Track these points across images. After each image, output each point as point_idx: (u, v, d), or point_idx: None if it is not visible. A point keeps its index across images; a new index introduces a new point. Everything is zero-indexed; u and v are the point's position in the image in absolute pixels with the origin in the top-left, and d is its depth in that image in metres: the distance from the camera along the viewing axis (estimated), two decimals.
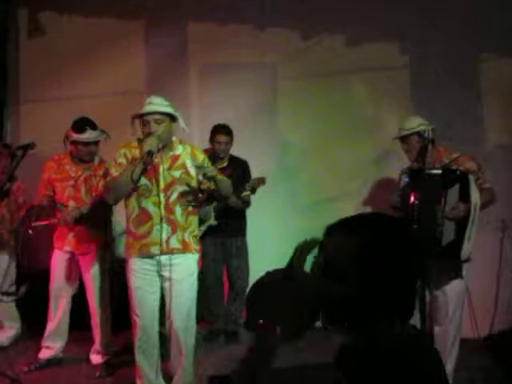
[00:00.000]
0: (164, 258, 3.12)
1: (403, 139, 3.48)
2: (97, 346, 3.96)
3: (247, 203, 4.41)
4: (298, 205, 4.93)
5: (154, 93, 5.17)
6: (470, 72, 4.59)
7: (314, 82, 4.90)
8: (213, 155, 4.35)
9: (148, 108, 3.12)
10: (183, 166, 3.18)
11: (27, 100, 5.22)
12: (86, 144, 3.84)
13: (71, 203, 3.88)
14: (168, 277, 3.13)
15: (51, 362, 4.00)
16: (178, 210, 3.14)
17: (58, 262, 3.96)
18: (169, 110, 3.13)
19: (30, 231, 3.90)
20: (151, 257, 3.14)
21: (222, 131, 4.40)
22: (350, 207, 4.53)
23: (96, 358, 3.97)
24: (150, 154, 2.98)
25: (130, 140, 3.23)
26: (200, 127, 4.89)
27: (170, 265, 3.10)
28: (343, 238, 1.24)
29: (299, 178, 4.97)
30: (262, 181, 4.25)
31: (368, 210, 4.62)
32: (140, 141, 3.16)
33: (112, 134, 5.04)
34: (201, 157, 3.28)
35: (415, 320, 3.25)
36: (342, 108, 4.80)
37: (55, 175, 3.92)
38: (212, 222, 4.37)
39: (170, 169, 3.15)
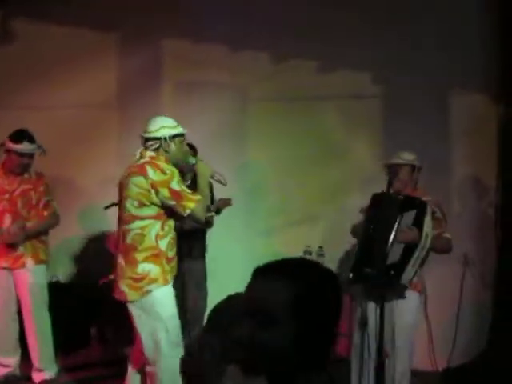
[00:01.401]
0: None
1: (394, 167, 3.48)
2: (36, 364, 3.87)
3: (210, 224, 4.34)
4: (261, 227, 4.90)
5: (125, 107, 5.19)
6: (441, 103, 4.66)
7: (284, 106, 4.89)
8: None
9: (183, 131, 3.14)
10: None
11: None
12: (20, 155, 3.77)
13: (7, 217, 3.81)
14: None
15: (8, 380, 3.89)
16: None
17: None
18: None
19: None
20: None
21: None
22: (316, 232, 4.54)
23: (37, 376, 3.88)
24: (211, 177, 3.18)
25: (158, 156, 3.05)
26: None
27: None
28: (277, 284, 1.21)
29: (265, 201, 4.94)
30: (228, 202, 4.20)
31: (333, 235, 4.61)
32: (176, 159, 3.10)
33: (81, 147, 5.02)
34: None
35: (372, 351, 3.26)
36: (311, 133, 4.80)
37: None
38: None
39: None
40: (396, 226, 3.15)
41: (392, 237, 3.13)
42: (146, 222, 2.94)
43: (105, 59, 5.08)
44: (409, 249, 3.16)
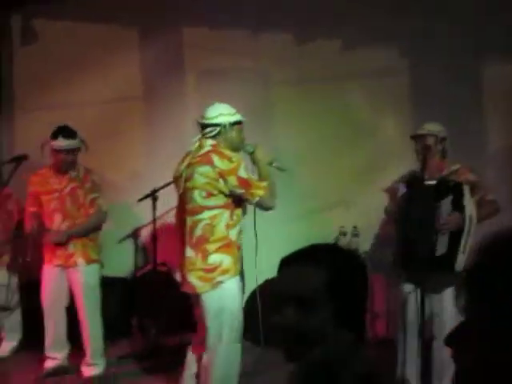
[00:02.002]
0: None
1: (420, 138, 3.37)
2: (87, 358, 3.94)
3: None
4: (294, 212, 4.85)
5: (150, 99, 5.22)
6: (471, 74, 4.53)
7: (308, 88, 4.83)
8: None
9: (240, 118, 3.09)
10: None
11: (22, 109, 5.17)
12: (57, 151, 3.79)
13: (57, 216, 3.87)
14: None
15: (57, 371, 4.00)
16: None
17: (48, 276, 3.95)
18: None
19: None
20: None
21: None
22: (349, 213, 4.48)
23: (86, 371, 3.95)
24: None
25: (219, 144, 2.98)
26: (196, 133, 4.82)
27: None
28: (308, 270, 1.24)
29: (294, 186, 4.90)
30: None
31: (367, 215, 4.56)
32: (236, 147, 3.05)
33: (108, 142, 5.06)
34: None
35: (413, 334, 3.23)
36: (338, 113, 4.74)
37: (40, 188, 3.90)
38: None
39: None
40: (437, 216, 3.06)
41: (435, 228, 3.05)
42: (215, 211, 2.89)
43: (127, 53, 5.11)
44: (455, 236, 3.07)
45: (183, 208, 3.00)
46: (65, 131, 3.80)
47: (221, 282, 2.89)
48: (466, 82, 4.45)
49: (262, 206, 2.99)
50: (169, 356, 4.23)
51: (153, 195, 4.35)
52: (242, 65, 4.93)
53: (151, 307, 4.67)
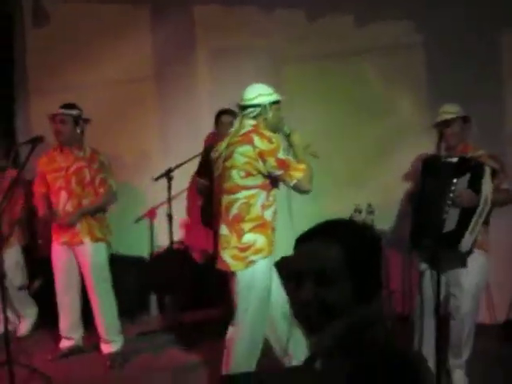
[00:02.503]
0: None
1: (446, 123, 3.28)
2: (103, 336, 3.99)
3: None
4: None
5: (162, 79, 5.20)
6: (489, 46, 4.40)
7: (321, 64, 4.76)
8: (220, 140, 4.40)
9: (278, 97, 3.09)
10: None
11: (36, 90, 5.18)
12: (52, 120, 3.84)
13: (63, 194, 3.90)
14: None
15: (73, 352, 4.08)
16: None
17: (56, 255, 4.01)
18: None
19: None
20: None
21: (225, 113, 4.40)
22: (362, 192, 4.46)
23: (105, 348, 4.01)
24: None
25: (259, 124, 3.00)
26: (209, 112, 4.82)
27: None
28: (326, 245, 1.30)
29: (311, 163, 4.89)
30: None
31: (382, 192, 4.54)
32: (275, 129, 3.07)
33: (120, 122, 5.07)
34: None
35: (430, 311, 3.24)
36: (351, 91, 4.67)
37: (46, 168, 3.94)
38: None
39: None
40: (451, 192, 2.98)
41: (447, 203, 2.98)
42: (252, 191, 2.92)
43: (138, 33, 5.07)
44: (466, 214, 3.00)
45: (220, 188, 3.05)
46: (66, 104, 3.89)
47: (253, 262, 2.93)
48: (482, 57, 4.35)
49: (299, 189, 3.00)
50: (187, 332, 4.32)
51: (168, 175, 4.37)
52: (254, 43, 4.87)
53: (169, 285, 4.73)
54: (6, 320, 3.33)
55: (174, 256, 4.73)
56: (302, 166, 2.98)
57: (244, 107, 3.02)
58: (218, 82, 5.05)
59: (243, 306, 2.98)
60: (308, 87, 4.76)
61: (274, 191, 3.02)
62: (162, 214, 4.94)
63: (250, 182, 2.92)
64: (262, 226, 2.94)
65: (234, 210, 2.94)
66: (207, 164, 4.56)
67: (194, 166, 4.60)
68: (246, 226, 2.93)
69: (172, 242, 4.50)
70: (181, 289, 4.77)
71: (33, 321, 4.59)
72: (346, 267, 1.27)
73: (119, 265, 4.65)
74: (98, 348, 4.03)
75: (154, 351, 4.10)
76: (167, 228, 4.47)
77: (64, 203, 3.90)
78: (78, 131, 3.91)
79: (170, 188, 4.40)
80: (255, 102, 2.99)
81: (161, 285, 4.95)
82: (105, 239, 4.01)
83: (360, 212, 4.21)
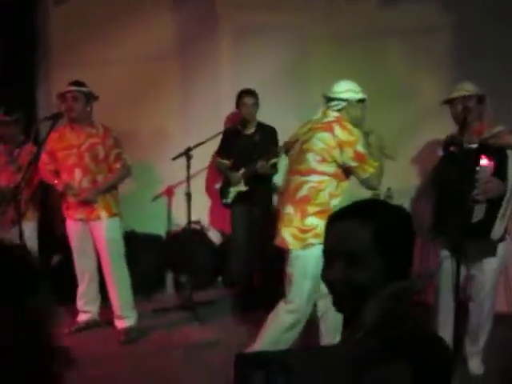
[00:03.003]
0: None
1: (458, 101, 3.21)
2: (118, 312, 4.02)
3: (275, 170, 4.42)
4: None
5: (183, 57, 5.17)
6: None
7: (347, 45, 4.71)
8: (241, 121, 4.45)
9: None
10: None
11: (57, 67, 5.19)
12: (62, 97, 3.84)
13: (77, 172, 3.90)
14: None
15: (89, 325, 4.14)
16: None
17: (73, 232, 4.04)
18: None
19: None
20: None
21: (247, 94, 4.40)
22: (390, 176, 4.40)
23: (119, 323, 4.04)
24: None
25: (342, 117, 3.08)
26: (231, 91, 4.80)
27: None
28: (355, 225, 1.29)
29: None
30: (267, 167, 4.25)
31: (401, 177, 4.49)
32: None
33: (141, 100, 5.07)
34: None
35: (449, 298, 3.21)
36: (375, 71, 4.58)
37: (56, 145, 3.93)
38: (242, 188, 4.40)
39: None
40: (476, 181, 2.89)
41: (473, 194, 2.89)
42: (324, 177, 3.01)
43: (159, 11, 5.06)
44: (494, 202, 2.92)
45: (293, 168, 3.16)
46: (78, 82, 3.88)
47: (311, 245, 2.98)
48: (507, 41, 4.25)
49: (368, 184, 3.11)
50: (202, 309, 4.37)
51: (187, 153, 4.37)
52: (278, 21, 4.82)
53: (185, 264, 4.76)
54: None
55: (191, 235, 4.75)
56: (377, 164, 3.07)
57: (331, 99, 3.13)
58: (240, 61, 5.02)
59: (296, 287, 3.05)
60: (332, 67, 4.69)
61: (344, 184, 3.10)
62: (179, 193, 4.95)
63: (323, 167, 3.01)
64: (326, 212, 2.92)
65: (303, 192, 3.03)
66: (228, 144, 4.56)
67: (213, 145, 4.59)
68: (312, 208, 3.01)
69: (190, 222, 4.51)
70: (197, 268, 4.80)
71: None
72: (377, 247, 1.26)
73: (136, 243, 4.69)
74: (113, 323, 4.07)
75: (169, 328, 4.13)
76: (185, 207, 4.47)
77: (79, 180, 3.91)
78: (88, 108, 3.92)
79: (188, 167, 4.39)
80: (343, 96, 3.10)
81: (177, 263, 4.97)
82: (119, 214, 4.05)
83: (378, 196, 4.17)
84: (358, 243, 1.26)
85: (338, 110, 3.10)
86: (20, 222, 3.33)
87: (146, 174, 5.04)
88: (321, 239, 2.92)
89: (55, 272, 4.66)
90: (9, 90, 4.90)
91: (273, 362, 1.62)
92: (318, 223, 2.95)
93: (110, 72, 4.86)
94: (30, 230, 4.31)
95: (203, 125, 4.84)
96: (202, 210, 5.12)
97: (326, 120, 3.07)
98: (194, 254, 4.82)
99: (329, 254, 1.32)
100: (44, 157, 3.97)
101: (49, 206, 4.78)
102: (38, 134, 4.57)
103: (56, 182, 3.98)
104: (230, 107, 4.71)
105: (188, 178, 4.40)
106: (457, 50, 4.44)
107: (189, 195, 4.43)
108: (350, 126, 3.03)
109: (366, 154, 3.02)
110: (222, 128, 4.69)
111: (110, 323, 4.08)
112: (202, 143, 4.41)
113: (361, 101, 3.15)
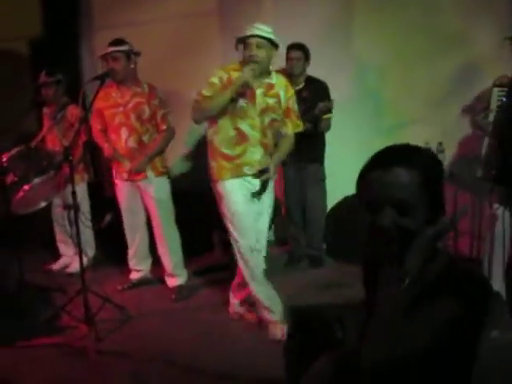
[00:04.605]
0: (254, 179, 3.20)
1: None
2: (169, 271, 4.09)
3: (324, 128, 4.34)
4: (378, 127, 4.72)
5: (227, 14, 5.08)
6: None
7: None
8: (288, 76, 4.32)
9: (252, 31, 3.14)
10: (277, 95, 3.22)
11: (101, 27, 5.20)
12: (104, 58, 3.82)
13: (123, 131, 3.92)
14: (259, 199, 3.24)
15: (141, 283, 4.25)
16: (269, 135, 3.23)
17: (122, 192, 4.09)
18: (271, 36, 3.15)
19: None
20: (244, 177, 3.20)
21: (292, 48, 4.33)
22: (432, 129, 4.29)
23: (170, 282, 4.11)
24: (246, 84, 3.09)
25: (232, 62, 3.28)
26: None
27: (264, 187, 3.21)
28: (405, 174, 1.30)
29: (379, 99, 4.73)
30: (328, 105, 4.18)
31: (451, 131, 4.36)
32: (242, 64, 3.20)
33: (184, 58, 5.03)
34: (291, 91, 3.31)
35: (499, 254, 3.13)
36: (424, 22, 4.41)
37: (103, 103, 3.93)
38: None
39: (265, 95, 3.19)
40: None
41: None
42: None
43: None
44: None
45: None
46: (116, 40, 3.85)
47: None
48: None
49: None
50: None
51: None
52: None
53: None
54: (81, 251, 3.45)
55: None
56: (199, 98, 3.23)
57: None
58: (283, 16, 4.88)
59: None
60: (377, 20, 4.56)
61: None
62: None
63: None
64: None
65: None
66: None
67: None
68: None
69: None
70: None
71: (87, 262, 4.62)
72: (424, 193, 1.29)
73: (183, 201, 4.73)
74: (164, 280, 4.15)
75: (216, 286, 4.17)
76: None
77: (125, 139, 3.93)
78: (132, 66, 3.88)
79: None
80: None
81: (222, 223, 5.00)
82: (167, 173, 4.07)
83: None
84: (408, 191, 1.28)
85: None
86: (73, 183, 3.39)
87: (190, 132, 5.05)
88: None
89: (107, 232, 4.78)
90: (52, 52, 4.95)
91: (327, 314, 1.64)
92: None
93: (152, 30, 4.84)
94: (80, 192, 4.40)
95: None
96: None
97: None
98: None
99: (377, 201, 1.32)
100: (93, 116, 4.00)
101: (98, 167, 4.86)
102: (86, 97, 4.62)
103: (106, 145, 4.01)
104: (272, 63, 4.62)
105: None
106: None
107: None
108: None
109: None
110: None
111: (162, 281, 4.17)
112: None
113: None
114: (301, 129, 3.39)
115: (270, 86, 3.22)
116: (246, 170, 3.18)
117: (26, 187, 3.82)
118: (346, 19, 4.76)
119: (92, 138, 4.21)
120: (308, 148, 4.34)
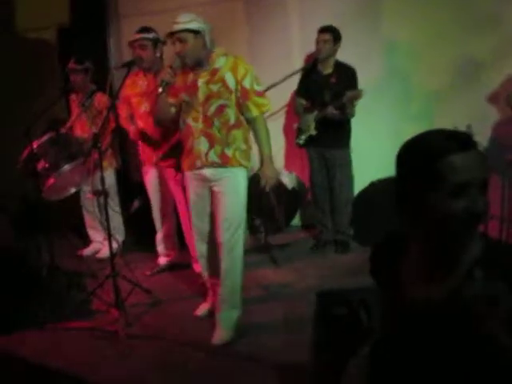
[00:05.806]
0: (209, 172, 3.11)
1: None
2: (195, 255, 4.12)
3: (350, 115, 4.27)
4: (408, 111, 4.66)
5: (250, 1, 5.05)
6: None
7: None
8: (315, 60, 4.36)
9: (173, 28, 3.02)
10: (221, 79, 3.03)
11: (127, 16, 5.22)
12: (131, 45, 3.83)
13: (151, 119, 3.89)
14: (216, 191, 3.13)
15: (169, 268, 4.31)
16: (217, 123, 3.05)
17: (149, 177, 4.11)
18: (189, 26, 2.99)
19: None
20: (197, 170, 3.15)
21: (321, 31, 4.24)
22: (463, 110, 4.21)
23: (197, 267, 4.12)
24: (163, 83, 3.04)
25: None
26: (300, 35, 4.69)
27: (216, 179, 3.11)
28: (480, 156, 1.31)
29: (408, 83, 4.65)
30: (357, 95, 4.08)
31: (483, 112, 4.28)
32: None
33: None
34: (242, 71, 3.05)
35: None
36: (454, 2, 4.33)
37: (130, 91, 3.95)
38: (312, 132, 4.33)
39: (208, 83, 3.04)
40: None
41: None
42: None
43: None
44: None
45: None
46: (140, 28, 3.85)
47: None
48: None
49: None
50: (277, 252, 4.50)
51: None
52: None
53: (259, 208, 4.79)
54: (110, 236, 3.50)
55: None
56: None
57: None
58: (308, 3, 4.85)
59: None
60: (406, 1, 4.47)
61: None
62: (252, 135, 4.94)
63: None
64: None
65: None
66: (305, 84, 4.47)
67: (288, 86, 4.51)
68: None
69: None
70: (268, 212, 4.82)
71: (116, 247, 4.71)
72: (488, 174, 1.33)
73: None
74: (192, 265, 4.18)
75: (246, 270, 4.20)
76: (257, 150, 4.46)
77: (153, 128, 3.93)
78: (158, 55, 3.89)
79: None
80: None
81: (252, 208, 5.02)
82: None
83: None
84: (487, 170, 1.31)
85: None
86: (101, 169, 3.44)
87: None
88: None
89: (135, 217, 4.84)
90: (80, 40, 5.00)
91: (354, 299, 1.65)
92: None
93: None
94: (109, 178, 4.47)
95: (272, 65, 4.76)
96: (276, 153, 5.10)
97: None
98: (269, 199, 4.83)
99: (464, 184, 1.30)
100: (120, 103, 4.03)
101: (126, 153, 4.92)
102: (112, 84, 4.66)
103: (132, 127, 4.03)
104: (298, 46, 4.60)
105: None
106: None
107: None
108: None
109: None
110: (291, 68, 4.59)
111: (189, 265, 4.21)
112: (277, 84, 4.35)
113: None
114: (268, 107, 3.13)
115: (213, 72, 3.05)
116: (196, 162, 3.11)
117: (56, 174, 3.89)
118: (375, 1, 4.69)
119: (120, 125, 4.25)
120: (334, 133, 4.31)
